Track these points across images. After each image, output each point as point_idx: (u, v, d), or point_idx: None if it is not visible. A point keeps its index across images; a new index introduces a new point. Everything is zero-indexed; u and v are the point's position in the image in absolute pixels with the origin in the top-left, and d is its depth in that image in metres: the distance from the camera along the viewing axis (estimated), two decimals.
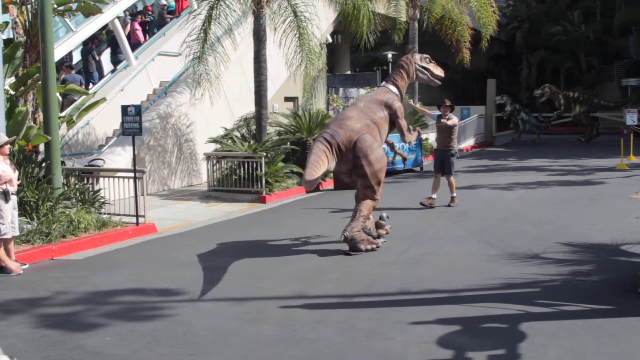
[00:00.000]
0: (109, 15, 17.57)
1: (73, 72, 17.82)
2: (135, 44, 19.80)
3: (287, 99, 23.17)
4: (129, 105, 12.14)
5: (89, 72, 18.70)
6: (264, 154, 15.52)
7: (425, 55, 11.51)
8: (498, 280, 8.18)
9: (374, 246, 10.05)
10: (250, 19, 17.45)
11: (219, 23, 17.25)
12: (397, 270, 8.90)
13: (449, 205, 13.78)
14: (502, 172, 19.79)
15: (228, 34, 17.81)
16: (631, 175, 18.23)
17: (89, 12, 13.75)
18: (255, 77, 17.01)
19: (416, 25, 24.76)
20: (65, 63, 18.09)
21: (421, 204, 13.74)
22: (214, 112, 19.06)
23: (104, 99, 14.17)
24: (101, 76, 18.92)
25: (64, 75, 17.28)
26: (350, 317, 6.95)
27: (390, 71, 32.99)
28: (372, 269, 8.96)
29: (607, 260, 9.03)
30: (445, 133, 13.92)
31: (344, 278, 8.54)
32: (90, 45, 18.97)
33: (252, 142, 16.77)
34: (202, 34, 17.02)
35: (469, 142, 29.73)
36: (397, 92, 10.86)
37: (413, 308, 7.22)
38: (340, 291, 7.93)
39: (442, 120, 13.80)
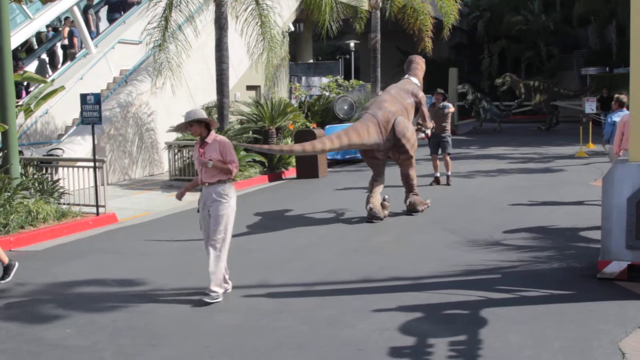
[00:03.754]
0: (67, 2, 17.28)
1: (75, 27, 18.79)
2: (131, 3, 20.54)
3: (249, 88, 23.05)
4: (88, 94, 11.96)
5: (89, 27, 19.43)
6: None
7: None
8: (460, 267, 8.24)
9: (426, 206, 11.98)
10: (212, 7, 17.31)
11: (180, 10, 17.08)
12: (360, 258, 8.91)
13: (447, 184, 15.06)
14: (463, 160, 19.94)
15: (190, 22, 17.63)
16: (590, 163, 18.50)
17: None
18: (217, 65, 16.88)
19: (378, 14, 24.77)
20: (69, 18, 18.92)
21: (431, 184, 15.10)
22: (176, 101, 18.87)
23: (62, 87, 13.93)
24: (98, 33, 19.79)
25: (67, 28, 18.63)
26: (313, 305, 6.95)
27: (352, 60, 33.06)
28: (335, 257, 8.97)
29: (566, 247, 9.16)
30: (441, 118, 15.11)
31: (307, 266, 8.53)
32: (88, 1, 19.96)
33: None
34: (163, 22, 16.83)
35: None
36: (419, 83, 12.54)
37: (376, 296, 7.23)
38: (304, 280, 7.93)
39: (442, 108, 15.16)
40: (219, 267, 7.10)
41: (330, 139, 10.92)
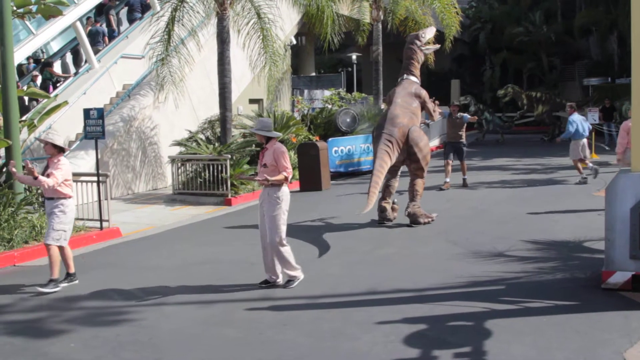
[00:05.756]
0: (70, 17, 17.36)
1: (98, 25, 19.67)
2: (149, 5, 20.87)
3: (251, 101, 23.11)
4: (91, 109, 12.00)
5: (111, 27, 20.31)
6: (229, 156, 15.45)
7: (421, 34, 13.15)
8: (463, 278, 8.23)
9: (430, 220, 12.01)
10: (214, 21, 17.37)
11: (182, 25, 17.13)
12: (364, 270, 8.91)
13: (464, 186, 16.55)
14: (466, 171, 19.89)
15: (192, 36, 17.68)
16: (592, 173, 18.44)
17: (50, 14, 13.54)
18: (220, 79, 16.92)
19: (380, 26, 24.85)
20: (90, 18, 19.71)
21: (440, 189, 16.26)
22: (178, 115, 18.93)
23: (65, 102, 13.99)
24: (119, 33, 20.37)
25: (89, 28, 19.29)
26: (317, 318, 6.94)
27: (354, 72, 33.12)
28: (338, 270, 8.97)
29: (570, 257, 9.14)
30: (456, 127, 16.72)
31: (311, 279, 8.51)
32: (109, 2, 20.62)
33: (216, 144, 16.69)
34: (165, 36, 16.89)
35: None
36: (418, 80, 12.79)
37: (379, 308, 7.23)
38: (307, 292, 7.92)
39: (460, 118, 16.70)
40: (283, 259, 8.09)
41: (377, 175, 11.13)
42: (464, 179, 16.76)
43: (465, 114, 17.14)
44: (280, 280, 8.24)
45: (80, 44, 18.49)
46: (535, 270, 8.53)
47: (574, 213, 12.54)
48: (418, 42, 12.93)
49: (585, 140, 16.40)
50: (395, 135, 11.65)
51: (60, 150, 8.58)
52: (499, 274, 8.40)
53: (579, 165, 16.48)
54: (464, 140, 16.91)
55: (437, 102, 14.35)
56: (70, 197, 8.50)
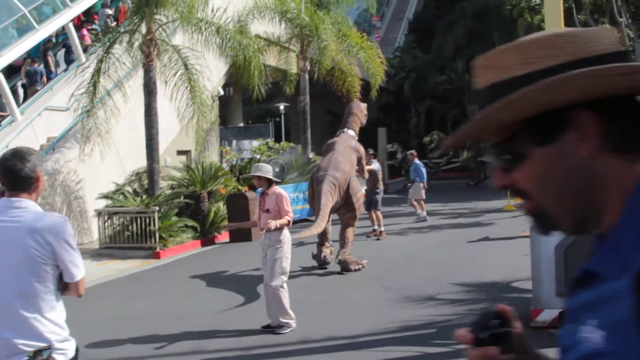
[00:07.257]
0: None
1: (36, 65, 19.43)
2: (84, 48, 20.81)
3: (179, 152, 22.91)
4: None
5: (49, 68, 20.26)
6: (157, 208, 15.22)
7: (364, 105, 14.09)
8: (396, 323, 8.24)
9: (360, 266, 12.03)
10: (141, 72, 17.25)
11: (108, 76, 16.94)
12: (297, 318, 8.79)
13: (377, 239, 15.93)
14: (395, 217, 20.15)
15: (118, 87, 17.50)
16: (518, 215, 18.90)
17: None
18: (147, 130, 16.75)
19: (307, 76, 25.12)
20: (27, 59, 19.43)
21: (367, 236, 16.20)
22: (105, 167, 18.60)
23: None
24: (56, 74, 20.37)
25: (27, 68, 19.16)
26: None
27: (282, 123, 33.31)
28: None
29: (499, 298, 9.26)
30: (371, 177, 16.12)
31: (243, 330, 8.39)
32: (47, 44, 20.54)
33: (144, 196, 16.44)
34: (91, 87, 16.65)
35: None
36: (356, 136, 13.19)
37: (313, 357, 7.16)
38: (239, 344, 7.79)
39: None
40: (280, 303, 8.10)
41: (327, 206, 11.29)
42: (380, 232, 16.18)
43: (372, 161, 16.59)
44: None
45: (3, 96, 18.06)
46: (465, 312, 8.61)
47: (502, 254, 12.79)
48: (363, 107, 13.75)
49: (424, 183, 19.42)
50: (339, 180, 11.80)
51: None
52: (431, 317, 8.45)
53: (422, 203, 19.22)
54: (379, 188, 16.51)
55: None
56: None
